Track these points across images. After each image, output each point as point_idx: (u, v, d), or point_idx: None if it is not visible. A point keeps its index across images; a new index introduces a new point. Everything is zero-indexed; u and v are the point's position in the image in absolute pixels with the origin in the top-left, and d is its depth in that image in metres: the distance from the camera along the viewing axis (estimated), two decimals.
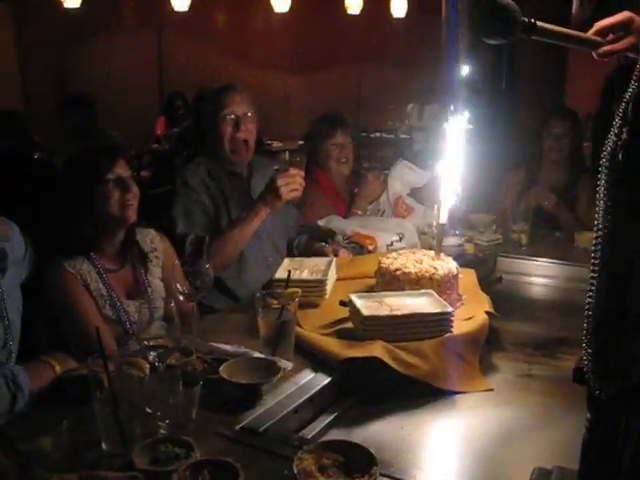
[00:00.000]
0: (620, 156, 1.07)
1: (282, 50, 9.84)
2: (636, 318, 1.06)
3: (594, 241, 1.10)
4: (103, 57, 9.09)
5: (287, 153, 7.41)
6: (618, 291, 1.07)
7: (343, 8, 8.24)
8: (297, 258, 2.62)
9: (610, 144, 1.09)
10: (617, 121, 1.08)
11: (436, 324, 1.95)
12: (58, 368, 1.76)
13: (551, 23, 1.65)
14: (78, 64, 9.14)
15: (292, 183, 2.59)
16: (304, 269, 2.42)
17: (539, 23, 1.75)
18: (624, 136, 1.06)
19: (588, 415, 1.15)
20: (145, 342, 1.65)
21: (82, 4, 7.36)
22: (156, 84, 9.53)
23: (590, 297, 1.09)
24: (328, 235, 3.00)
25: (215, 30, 9.91)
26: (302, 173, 2.64)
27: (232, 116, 2.79)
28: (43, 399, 1.69)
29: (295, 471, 1.25)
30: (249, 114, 2.83)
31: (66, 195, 2.24)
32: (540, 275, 2.97)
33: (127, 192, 2.21)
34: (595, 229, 1.10)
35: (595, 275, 1.09)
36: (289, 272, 2.08)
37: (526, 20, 1.69)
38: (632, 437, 1.14)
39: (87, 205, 2.18)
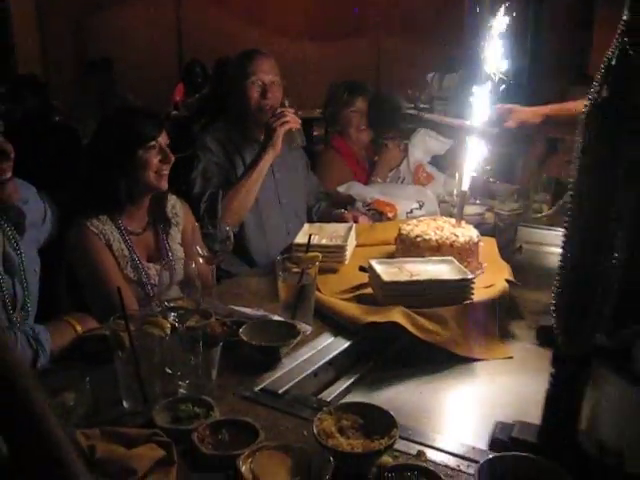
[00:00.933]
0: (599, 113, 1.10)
1: (301, 17, 9.74)
2: (603, 282, 1.14)
3: (569, 204, 1.17)
4: (122, 24, 9.07)
5: None
6: (588, 255, 1.15)
7: None
8: (317, 224, 2.61)
9: (589, 103, 1.12)
10: (598, 80, 1.11)
11: (456, 291, 1.94)
12: (79, 327, 1.78)
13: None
14: (97, 31, 9.12)
15: (282, 117, 2.66)
16: (324, 234, 2.41)
17: (425, 115, 1.92)
18: (604, 93, 1.10)
19: (552, 371, 1.23)
20: (165, 303, 1.65)
21: None
22: (174, 51, 9.48)
23: (561, 260, 1.18)
24: (348, 201, 2.99)
25: None
26: (291, 110, 2.71)
27: (260, 82, 2.78)
28: (64, 357, 1.71)
29: (315, 432, 1.25)
30: (276, 81, 2.81)
31: (99, 155, 2.24)
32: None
33: (166, 162, 2.23)
34: (569, 187, 1.19)
35: (565, 240, 1.18)
36: (309, 236, 2.08)
37: (410, 112, 1.87)
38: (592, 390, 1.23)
39: (122, 168, 2.18)
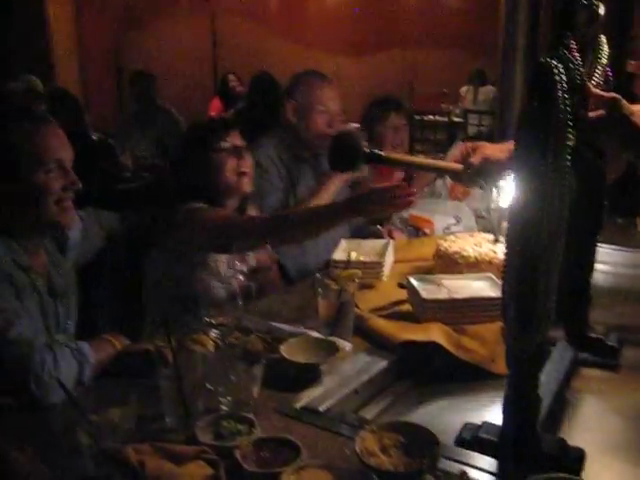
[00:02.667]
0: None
1: (335, 32, 9.80)
2: (545, 286, 1.22)
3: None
4: (158, 40, 9.21)
5: None
6: (530, 265, 1.21)
7: None
8: (354, 240, 2.61)
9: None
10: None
11: (496, 308, 1.92)
12: (118, 344, 1.80)
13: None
14: (134, 47, 9.27)
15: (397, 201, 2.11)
16: (361, 251, 2.42)
17: (384, 153, 2.04)
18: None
19: (509, 372, 1.32)
20: (207, 320, 1.67)
21: None
22: (210, 66, 9.60)
23: (506, 271, 1.27)
24: (384, 217, 2.99)
25: (268, 12, 9.92)
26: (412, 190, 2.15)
27: (327, 113, 2.85)
28: (107, 373, 1.73)
29: (357, 450, 1.25)
30: (340, 110, 2.90)
31: (180, 170, 2.32)
32: (600, 261, 2.89)
33: (241, 160, 2.29)
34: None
35: (509, 251, 1.26)
36: (349, 253, 2.09)
37: (369, 151, 2.00)
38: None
39: (201, 176, 2.25)
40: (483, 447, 1.37)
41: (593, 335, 1.84)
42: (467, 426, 1.44)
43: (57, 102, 4.69)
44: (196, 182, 2.25)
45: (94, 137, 4.97)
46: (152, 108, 5.92)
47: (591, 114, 1.41)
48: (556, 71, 1.16)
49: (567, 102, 1.17)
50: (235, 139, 2.28)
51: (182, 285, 2.22)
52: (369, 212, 2.23)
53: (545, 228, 1.20)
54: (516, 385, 1.32)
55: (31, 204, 1.75)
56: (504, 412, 1.34)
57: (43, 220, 1.79)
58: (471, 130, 8.39)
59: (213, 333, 1.64)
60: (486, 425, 1.41)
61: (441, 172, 2.15)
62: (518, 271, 1.23)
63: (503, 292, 1.30)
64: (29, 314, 1.70)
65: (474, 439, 1.39)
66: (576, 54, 1.29)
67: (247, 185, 2.30)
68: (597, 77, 1.46)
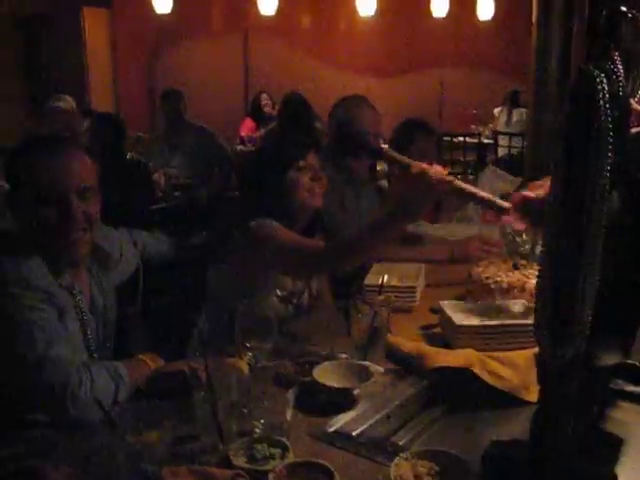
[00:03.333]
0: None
1: (366, 53, 9.86)
2: (583, 290, 1.18)
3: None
4: (191, 60, 9.32)
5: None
6: (569, 266, 1.17)
7: (428, 11, 8.20)
8: (386, 263, 2.62)
9: None
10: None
11: (529, 335, 1.91)
12: (152, 364, 1.82)
13: None
14: (166, 67, 9.40)
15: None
16: (393, 274, 2.42)
17: (387, 150, 2.16)
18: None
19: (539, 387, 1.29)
20: (243, 343, 1.69)
21: (172, 9, 7.57)
22: (242, 86, 9.69)
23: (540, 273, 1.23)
24: (416, 241, 3.00)
25: (300, 33, 10.01)
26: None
27: (372, 134, 2.94)
28: (142, 393, 1.75)
29: (392, 478, 1.26)
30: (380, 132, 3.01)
31: (257, 188, 2.35)
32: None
33: (317, 181, 2.33)
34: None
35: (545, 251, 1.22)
36: (382, 278, 2.09)
37: (374, 147, 2.11)
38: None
39: (276, 195, 2.29)
40: (510, 464, 1.35)
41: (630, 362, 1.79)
42: (494, 443, 1.43)
43: (102, 122, 4.76)
44: (269, 200, 2.29)
45: (128, 156, 5.04)
46: (182, 124, 5.97)
47: (633, 130, 1.37)
48: (599, 79, 1.11)
49: (609, 112, 1.12)
50: (312, 160, 2.33)
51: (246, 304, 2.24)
52: (417, 205, 2.03)
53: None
54: (546, 403, 1.29)
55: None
56: (532, 429, 1.31)
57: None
58: (501, 152, 8.36)
59: (247, 356, 1.66)
60: (514, 442, 1.40)
61: (487, 206, 2.11)
62: (554, 272, 1.20)
63: (537, 295, 1.25)
64: (69, 333, 1.73)
65: (502, 455, 1.38)
66: (620, 66, 1.24)
67: (318, 201, 2.34)
68: None
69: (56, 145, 1.86)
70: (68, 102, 5.51)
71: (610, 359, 1.66)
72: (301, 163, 2.30)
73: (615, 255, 1.30)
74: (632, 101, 1.36)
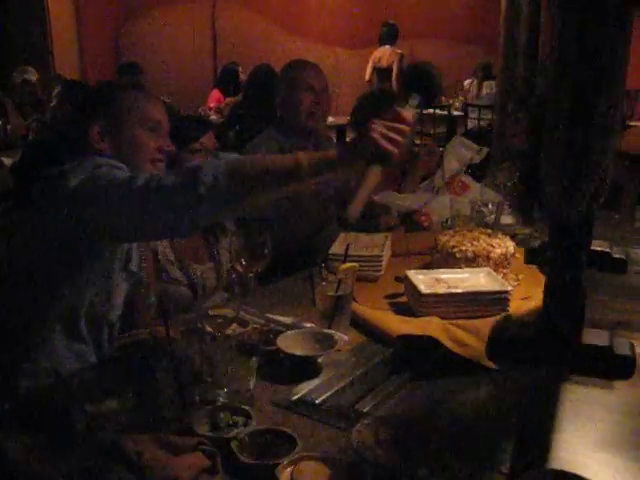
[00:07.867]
0: None
1: (335, 24, 9.79)
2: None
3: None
4: (157, 29, 9.17)
5: None
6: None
7: None
8: (352, 232, 2.61)
9: None
10: None
11: (494, 302, 1.93)
12: None
13: None
14: (133, 35, 9.24)
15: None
16: (360, 244, 2.41)
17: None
18: None
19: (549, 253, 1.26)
20: (206, 311, 1.67)
21: None
22: (209, 57, 9.57)
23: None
24: (382, 211, 2.99)
25: (269, 4, 9.88)
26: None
27: (312, 89, 2.89)
28: (104, 363, 1.74)
29: (353, 443, 1.26)
30: (326, 87, 2.96)
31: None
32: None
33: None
34: None
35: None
36: (347, 246, 2.08)
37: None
38: None
39: None
40: (519, 344, 1.31)
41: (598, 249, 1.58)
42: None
43: (70, 88, 4.73)
44: None
45: None
46: None
47: None
48: None
49: None
50: (208, 141, 2.31)
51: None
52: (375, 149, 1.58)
53: None
54: (558, 266, 1.24)
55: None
56: (545, 300, 1.28)
57: None
58: (470, 124, 8.37)
59: (210, 325, 1.64)
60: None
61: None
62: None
63: (543, 155, 1.21)
64: None
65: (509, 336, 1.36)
66: None
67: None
68: None
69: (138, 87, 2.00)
70: (33, 73, 5.50)
71: None
72: (196, 145, 2.27)
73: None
74: None
